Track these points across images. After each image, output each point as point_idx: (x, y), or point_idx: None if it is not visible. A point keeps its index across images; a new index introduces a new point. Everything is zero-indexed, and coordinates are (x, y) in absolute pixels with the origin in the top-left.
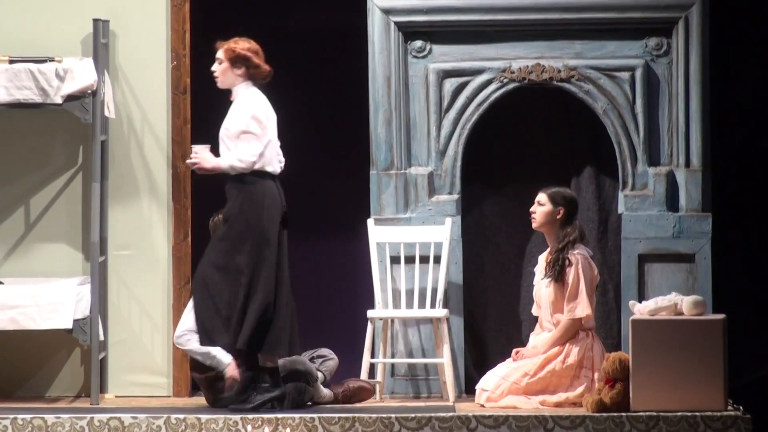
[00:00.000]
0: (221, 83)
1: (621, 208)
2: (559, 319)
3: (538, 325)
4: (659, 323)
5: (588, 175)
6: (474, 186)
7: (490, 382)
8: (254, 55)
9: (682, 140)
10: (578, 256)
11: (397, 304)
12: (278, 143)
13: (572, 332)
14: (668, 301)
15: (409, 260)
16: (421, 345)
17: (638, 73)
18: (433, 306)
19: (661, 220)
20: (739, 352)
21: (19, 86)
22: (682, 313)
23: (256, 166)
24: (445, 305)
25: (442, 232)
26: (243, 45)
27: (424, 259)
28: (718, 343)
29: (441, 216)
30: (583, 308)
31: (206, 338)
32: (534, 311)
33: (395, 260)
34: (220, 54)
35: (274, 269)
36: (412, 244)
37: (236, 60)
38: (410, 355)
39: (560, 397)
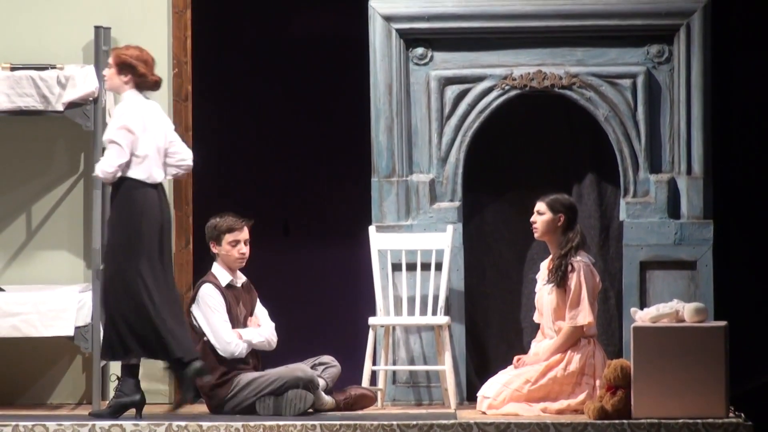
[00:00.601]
0: (108, 88)
1: (622, 215)
2: (561, 327)
3: (539, 333)
4: (661, 330)
5: (589, 182)
6: (475, 193)
7: (491, 389)
8: (141, 64)
9: (684, 147)
10: (580, 263)
11: (398, 311)
12: (175, 147)
13: (574, 339)
14: (670, 308)
15: (411, 267)
16: (422, 352)
17: (640, 81)
18: (434, 313)
19: (663, 227)
20: (741, 359)
21: (21, 93)
22: (683, 320)
23: (118, 175)
24: (447, 312)
25: (443, 239)
26: (131, 52)
27: (426, 266)
28: (720, 350)
29: (442, 223)
30: (584, 316)
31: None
32: (536, 318)
33: (397, 267)
34: (110, 58)
35: (152, 278)
36: (413, 251)
37: (122, 66)
38: (412, 362)
39: (562, 404)
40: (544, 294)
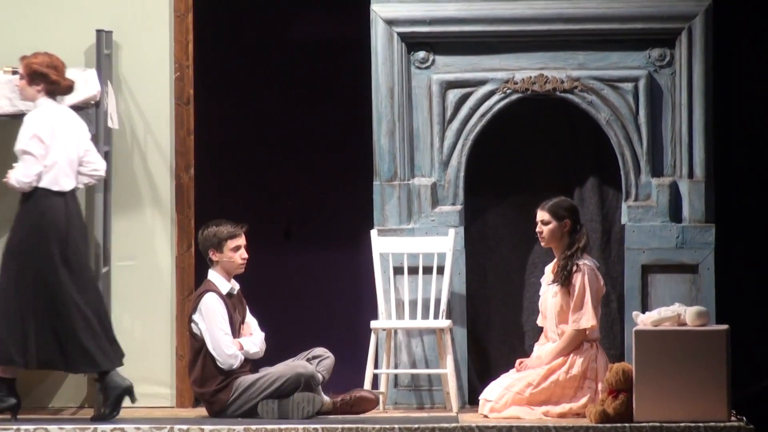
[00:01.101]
0: (22, 98)
1: (624, 219)
2: (564, 330)
3: (542, 336)
4: (662, 334)
5: (591, 185)
6: (477, 196)
7: (493, 392)
8: (52, 71)
9: (686, 151)
10: (585, 266)
11: (400, 315)
12: (90, 156)
13: (576, 343)
14: (671, 311)
15: (413, 271)
16: (424, 355)
17: (641, 84)
18: (436, 316)
19: (665, 230)
20: (743, 362)
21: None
22: (685, 324)
23: (35, 185)
24: (449, 316)
25: (445, 243)
26: (41, 60)
27: (428, 270)
28: (722, 354)
29: (444, 226)
30: (588, 319)
31: None
32: (539, 321)
33: (398, 271)
34: (20, 69)
35: (32, 286)
36: (415, 254)
37: (34, 76)
38: (413, 365)
39: (564, 407)
40: (549, 297)
